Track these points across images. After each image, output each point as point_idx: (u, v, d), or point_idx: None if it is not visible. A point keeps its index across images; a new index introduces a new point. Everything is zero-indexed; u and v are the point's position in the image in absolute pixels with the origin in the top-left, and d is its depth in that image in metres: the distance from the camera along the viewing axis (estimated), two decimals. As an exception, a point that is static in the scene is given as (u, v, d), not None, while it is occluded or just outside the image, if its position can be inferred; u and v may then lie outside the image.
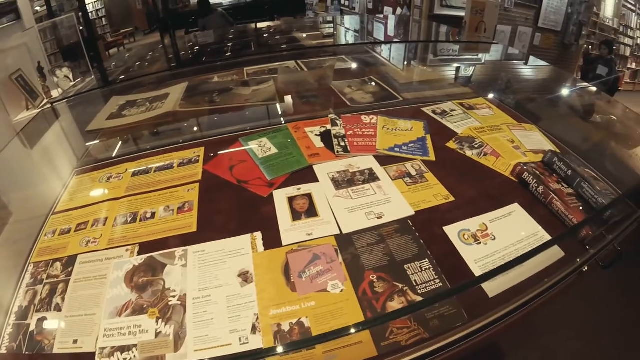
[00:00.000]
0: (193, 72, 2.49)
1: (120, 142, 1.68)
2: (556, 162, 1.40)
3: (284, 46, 3.38)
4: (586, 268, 1.08)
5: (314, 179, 1.27)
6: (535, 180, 1.29)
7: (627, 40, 10.09)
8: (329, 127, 1.53)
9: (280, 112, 1.80)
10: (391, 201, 1.16)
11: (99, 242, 1.06)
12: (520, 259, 0.87)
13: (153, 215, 1.14)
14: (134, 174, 1.35)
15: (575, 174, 1.33)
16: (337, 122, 1.55)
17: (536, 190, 1.27)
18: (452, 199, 1.19)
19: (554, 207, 1.21)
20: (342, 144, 1.42)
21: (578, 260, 1.06)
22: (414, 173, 1.29)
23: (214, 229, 1.09)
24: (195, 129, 1.77)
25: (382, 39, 3.66)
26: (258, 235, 1.04)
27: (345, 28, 4.45)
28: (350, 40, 3.92)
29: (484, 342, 0.89)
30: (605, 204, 1.22)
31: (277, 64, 2.42)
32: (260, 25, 4.74)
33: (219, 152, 1.44)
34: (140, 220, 1.13)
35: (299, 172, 1.31)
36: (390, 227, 1.06)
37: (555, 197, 1.22)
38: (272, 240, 1.03)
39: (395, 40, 3.57)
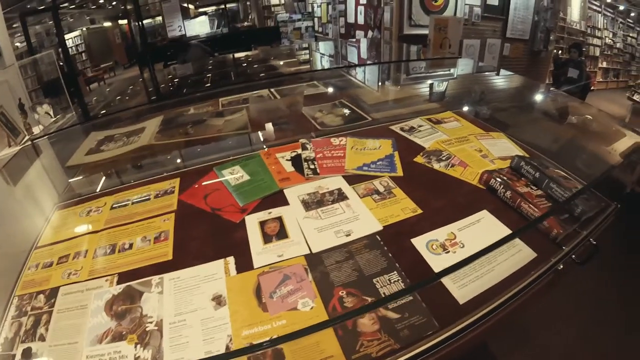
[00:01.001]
0: (171, 105, 2.53)
1: (100, 177, 1.71)
2: (523, 166, 1.44)
3: (262, 74, 3.45)
4: (562, 266, 1.10)
5: (284, 202, 1.31)
6: (502, 186, 1.32)
7: (595, 41, 10.38)
8: (299, 151, 1.57)
9: (252, 140, 1.85)
10: (359, 218, 1.20)
11: (79, 274, 1.09)
12: (477, 254, 0.90)
13: (131, 246, 1.17)
14: (113, 207, 1.38)
15: (543, 176, 1.37)
16: (307, 146, 1.60)
17: (504, 195, 1.30)
18: (419, 211, 1.23)
19: (522, 210, 1.24)
20: (312, 166, 1.46)
21: (552, 259, 1.09)
22: (382, 189, 1.33)
23: (188, 256, 1.11)
24: (171, 160, 1.80)
25: (356, 62, 3.77)
26: (231, 259, 1.07)
27: (321, 53, 4.56)
28: (326, 65, 4.02)
29: (459, 350, 0.91)
30: (574, 201, 1.26)
31: (251, 93, 2.48)
32: (238, 55, 4.83)
33: (193, 182, 1.47)
34: (119, 252, 1.15)
35: (270, 196, 1.35)
36: (358, 243, 1.10)
37: (524, 200, 1.26)
38: (245, 263, 1.06)
39: (369, 62, 3.67)
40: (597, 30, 10.44)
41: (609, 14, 10.84)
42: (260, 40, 7.37)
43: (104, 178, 1.70)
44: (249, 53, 5.63)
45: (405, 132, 1.79)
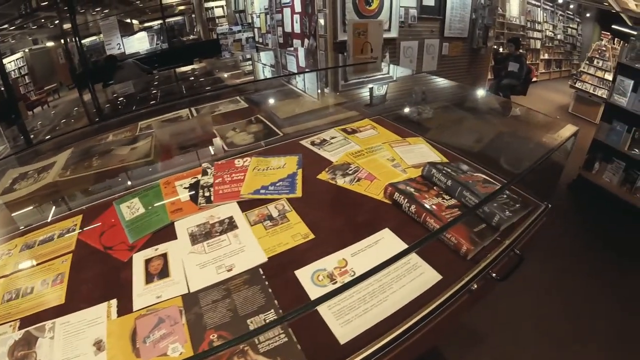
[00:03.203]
0: (94, 131, 2.37)
1: (13, 218, 1.60)
2: (435, 174, 1.36)
3: (209, 87, 3.34)
4: (475, 286, 1.01)
5: (173, 236, 1.21)
6: (406, 200, 1.24)
7: (536, 34, 10.70)
8: (200, 177, 1.47)
9: (155, 169, 1.72)
10: (245, 250, 1.10)
11: (-10, 320, 1.05)
12: (350, 283, 0.79)
13: (32, 290, 1.11)
14: (22, 250, 1.30)
15: (456, 183, 1.28)
16: (208, 170, 1.49)
17: (409, 210, 1.22)
18: (312, 236, 1.14)
19: (428, 225, 1.16)
20: (207, 194, 1.35)
21: (465, 278, 1.01)
22: (275, 214, 1.23)
23: (79, 299, 1.04)
24: (75, 197, 1.68)
25: (295, 71, 3.71)
26: (113, 302, 1.00)
27: (262, 64, 4.50)
28: (268, 74, 3.95)
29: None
30: (490, 209, 1.18)
31: (173, 113, 2.35)
32: (181, 69, 4.71)
33: (93, 219, 1.37)
34: (22, 296, 1.10)
35: (162, 230, 1.24)
36: (239, 278, 1.01)
37: (429, 214, 1.17)
38: (126, 306, 0.99)
39: (304, 71, 3.61)
40: (537, 24, 10.76)
41: (548, 7, 11.21)
42: (200, 54, 7.24)
43: (16, 219, 1.58)
44: (194, 67, 5.52)
45: (316, 146, 1.70)
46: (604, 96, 7.16)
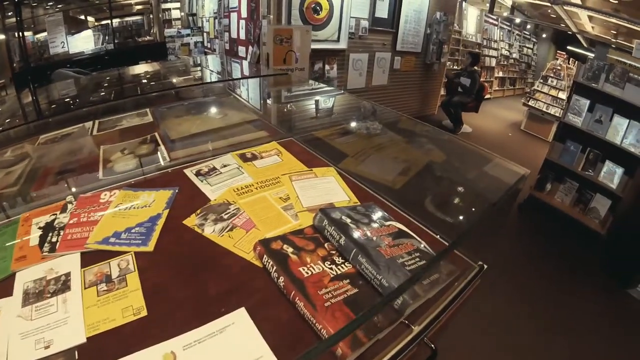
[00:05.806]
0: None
1: None
2: (327, 226, 1.06)
3: (123, 96, 3.07)
4: None
5: (11, 291, 0.95)
6: (274, 268, 0.94)
7: (492, 52, 10.92)
8: (58, 214, 1.22)
9: (22, 200, 1.45)
10: (68, 322, 0.86)
11: None
12: None
13: None
14: None
15: (350, 243, 0.99)
16: (69, 206, 1.25)
17: (278, 282, 0.92)
18: (144, 313, 0.88)
19: (299, 309, 0.86)
20: (54, 239, 1.10)
21: None
22: (115, 275, 0.98)
23: None
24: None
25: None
26: None
27: (210, 70, 4.31)
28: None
29: None
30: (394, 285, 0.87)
31: (73, 127, 2.08)
32: (121, 72, 4.46)
33: None
34: None
35: (5, 281, 0.99)
36: (52, 361, 0.77)
37: (299, 293, 0.86)
38: None
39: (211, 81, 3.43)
40: (493, 42, 10.98)
41: (505, 26, 11.48)
42: (146, 57, 6.96)
43: None
44: (149, 68, 5.25)
45: (200, 177, 1.44)
46: (557, 114, 7.32)
